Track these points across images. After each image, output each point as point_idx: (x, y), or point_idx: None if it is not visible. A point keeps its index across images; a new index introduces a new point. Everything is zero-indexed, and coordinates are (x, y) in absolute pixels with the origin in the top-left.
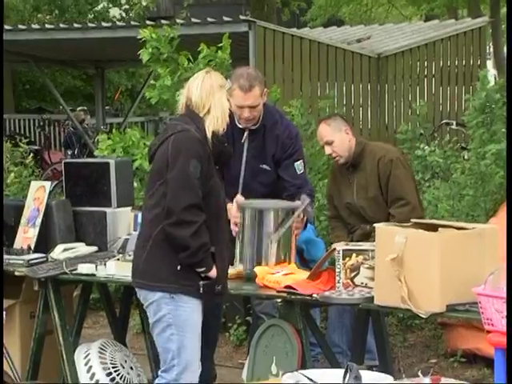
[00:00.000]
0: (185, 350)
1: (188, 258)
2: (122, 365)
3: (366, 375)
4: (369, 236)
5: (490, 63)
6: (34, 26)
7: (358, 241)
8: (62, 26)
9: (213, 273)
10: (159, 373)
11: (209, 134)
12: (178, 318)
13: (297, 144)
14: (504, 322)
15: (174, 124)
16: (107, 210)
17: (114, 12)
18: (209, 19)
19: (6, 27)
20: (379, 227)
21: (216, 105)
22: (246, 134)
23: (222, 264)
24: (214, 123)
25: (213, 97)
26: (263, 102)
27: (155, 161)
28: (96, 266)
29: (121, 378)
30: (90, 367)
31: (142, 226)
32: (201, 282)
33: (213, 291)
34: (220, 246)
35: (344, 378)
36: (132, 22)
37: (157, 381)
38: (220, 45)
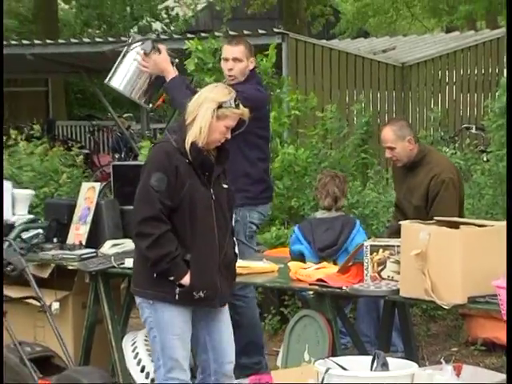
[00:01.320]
0: (168, 350)
1: (152, 267)
2: None
3: (392, 362)
4: (398, 233)
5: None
6: (84, 40)
7: (388, 237)
8: (110, 39)
9: (185, 280)
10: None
11: (187, 145)
12: (157, 322)
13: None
14: None
15: (167, 131)
16: None
17: (156, 26)
18: (245, 32)
19: (60, 41)
20: (404, 224)
21: (200, 116)
22: None
23: (200, 270)
24: (195, 134)
25: (201, 107)
26: (247, 65)
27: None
28: None
29: None
30: (137, 354)
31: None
32: (177, 290)
33: (191, 298)
34: (197, 253)
35: (372, 364)
36: (174, 35)
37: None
38: (266, 52)
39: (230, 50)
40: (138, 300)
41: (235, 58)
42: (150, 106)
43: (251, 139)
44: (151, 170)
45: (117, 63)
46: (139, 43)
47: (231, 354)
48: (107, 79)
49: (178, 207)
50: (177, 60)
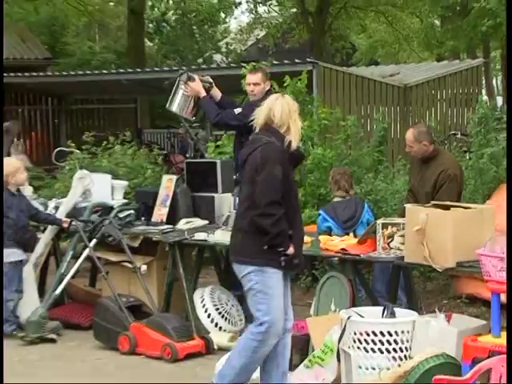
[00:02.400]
0: (272, 309)
1: (269, 241)
2: (226, 303)
3: (398, 311)
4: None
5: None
6: (164, 69)
7: (400, 216)
8: (183, 68)
9: (290, 251)
10: (253, 327)
11: (293, 146)
12: (265, 285)
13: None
14: (499, 274)
15: (260, 137)
16: (215, 195)
17: (217, 58)
18: (285, 61)
19: (146, 69)
20: (408, 207)
21: (294, 125)
22: None
23: (297, 244)
24: (295, 138)
25: (291, 118)
26: (264, 87)
27: (246, 165)
28: (208, 234)
29: (225, 312)
30: (204, 304)
31: (236, 216)
32: (282, 258)
33: (291, 264)
34: (296, 230)
35: (383, 313)
36: (231, 64)
37: (251, 334)
38: (300, 77)
39: (251, 78)
40: (246, 270)
41: (255, 83)
42: (194, 118)
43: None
44: (274, 163)
45: (172, 92)
46: (182, 76)
47: (292, 313)
48: (167, 104)
49: (284, 194)
50: (210, 84)
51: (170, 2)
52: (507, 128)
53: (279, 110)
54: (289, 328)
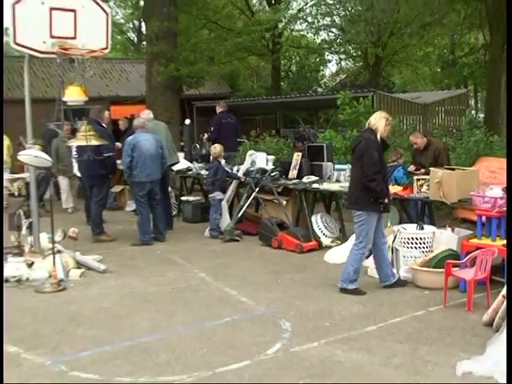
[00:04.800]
0: (368, 235)
1: (374, 195)
2: (328, 221)
3: (425, 227)
4: (427, 173)
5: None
6: (291, 95)
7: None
8: (295, 93)
9: (387, 200)
10: (356, 244)
11: (381, 137)
12: (368, 222)
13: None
14: (481, 205)
15: (362, 134)
16: (322, 163)
17: (319, 89)
18: (358, 90)
19: (281, 96)
20: (432, 169)
21: (381, 126)
22: None
23: (388, 196)
24: (382, 134)
25: (380, 123)
26: None
27: (356, 151)
28: (319, 184)
29: (328, 226)
30: (317, 222)
31: (351, 181)
32: (381, 205)
33: (385, 209)
34: (387, 188)
35: (416, 227)
36: (328, 92)
37: (356, 249)
38: (367, 99)
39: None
40: (357, 212)
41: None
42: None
43: None
44: (373, 150)
45: None
46: None
47: (385, 232)
48: None
49: (379, 168)
50: None
51: (293, 61)
52: (507, 128)
53: (373, 117)
54: (384, 241)
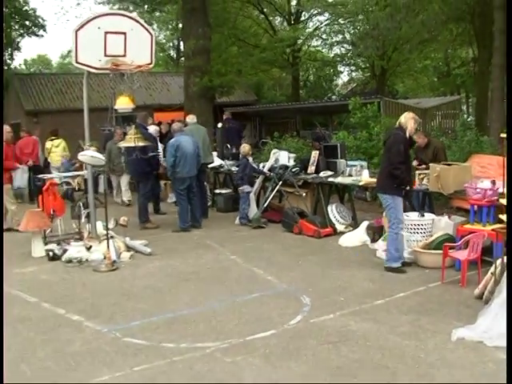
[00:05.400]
0: (398, 216)
1: (398, 182)
2: (342, 210)
3: (425, 214)
4: (428, 168)
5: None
6: (309, 101)
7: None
8: (312, 100)
9: (408, 186)
10: (391, 227)
11: (407, 135)
12: (395, 204)
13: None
14: (473, 196)
15: (392, 131)
16: (336, 160)
17: (333, 97)
18: (367, 97)
19: (300, 103)
20: (431, 165)
21: (410, 125)
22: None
23: (410, 183)
24: (410, 132)
25: (409, 122)
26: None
27: (386, 145)
28: (334, 178)
29: (342, 215)
30: (332, 211)
31: (381, 169)
32: (403, 191)
33: (407, 192)
34: (409, 176)
35: (418, 215)
36: (341, 99)
37: (391, 230)
38: (374, 104)
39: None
40: (384, 196)
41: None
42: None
43: None
44: (399, 143)
45: None
46: None
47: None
48: None
49: (404, 159)
50: None
51: (310, 72)
52: (507, 128)
53: (403, 117)
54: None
